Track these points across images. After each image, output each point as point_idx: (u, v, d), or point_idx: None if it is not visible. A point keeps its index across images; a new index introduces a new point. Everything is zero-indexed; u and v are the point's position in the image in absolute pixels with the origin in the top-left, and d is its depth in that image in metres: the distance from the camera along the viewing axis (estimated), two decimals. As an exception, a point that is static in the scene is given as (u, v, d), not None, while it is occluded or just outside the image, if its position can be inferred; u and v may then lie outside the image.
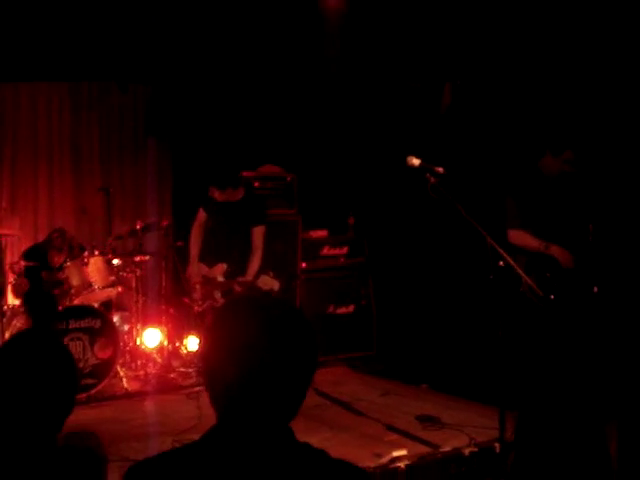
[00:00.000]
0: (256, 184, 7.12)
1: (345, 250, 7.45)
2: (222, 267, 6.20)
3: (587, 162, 4.93)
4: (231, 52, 7.09)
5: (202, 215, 6.40)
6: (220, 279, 6.16)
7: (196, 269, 6.33)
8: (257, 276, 6.13)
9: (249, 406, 1.51)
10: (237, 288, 6.05)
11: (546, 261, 4.78)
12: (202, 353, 1.62)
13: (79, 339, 5.88)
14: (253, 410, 1.51)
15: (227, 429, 1.53)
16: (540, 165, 4.95)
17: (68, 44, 6.71)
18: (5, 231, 6.61)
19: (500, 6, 5.80)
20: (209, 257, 6.34)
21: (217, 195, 6.15)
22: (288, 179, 7.34)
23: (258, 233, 6.24)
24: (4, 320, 6.18)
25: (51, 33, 6.49)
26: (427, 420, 5.16)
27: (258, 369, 1.50)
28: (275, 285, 6.07)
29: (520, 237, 4.85)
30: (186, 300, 6.45)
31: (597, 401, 4.22)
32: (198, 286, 6.25)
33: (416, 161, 4.01)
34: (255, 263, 6.20)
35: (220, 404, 1.56)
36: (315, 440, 1.61)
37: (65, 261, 6.30)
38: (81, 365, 5.81)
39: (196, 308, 6.33)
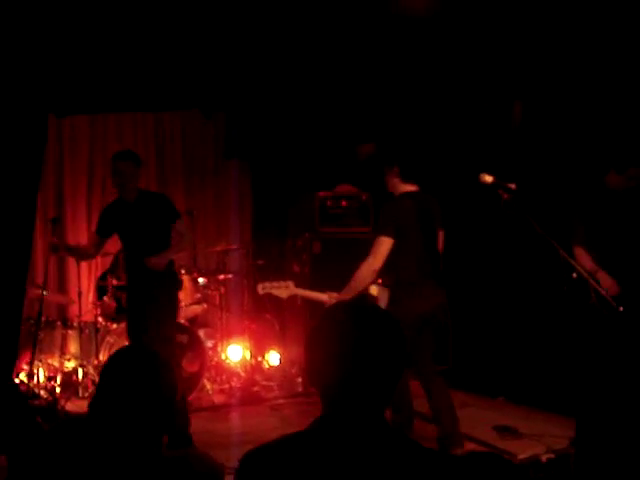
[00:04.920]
0: (331, 203, 7.36)
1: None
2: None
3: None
4: (307, 79, 7.33)
5: None
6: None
7: None
8: None
9: (348, 398, 1.72)
10: None
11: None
12: (304, 354, 1.82)
13: (168, 353, 6.19)
14: (352, 402, 1.72)
15: (332, 419, 1.74)
16: (606, 181, 4.95)
17: (154, 76, 7.08)
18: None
19: (571, 25, 5.87)
20: None
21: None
22: (363, 197, 7.54)
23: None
24: (98, 337, 6.59)
25: (136, 66, 6.85)
26: (504, 430, 5.27)
27: (353, 367, 1.71)
28: None
29: (579, 256, 4.78)
30: None
31: None
32: None
33: (489, 178, 4.08)
34: None
35: (324, 397, 1.78)
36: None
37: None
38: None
39: None
